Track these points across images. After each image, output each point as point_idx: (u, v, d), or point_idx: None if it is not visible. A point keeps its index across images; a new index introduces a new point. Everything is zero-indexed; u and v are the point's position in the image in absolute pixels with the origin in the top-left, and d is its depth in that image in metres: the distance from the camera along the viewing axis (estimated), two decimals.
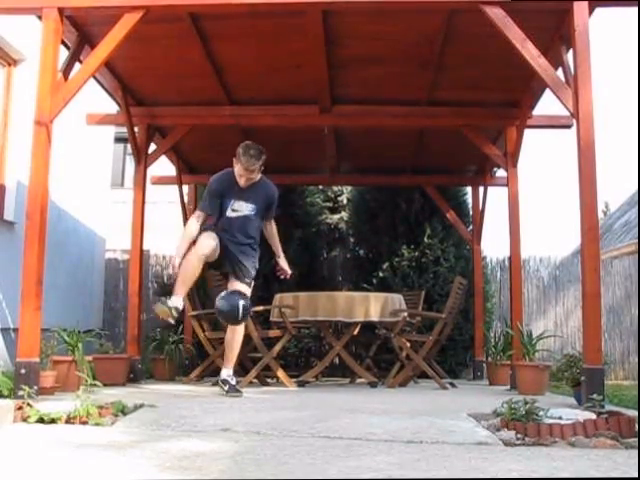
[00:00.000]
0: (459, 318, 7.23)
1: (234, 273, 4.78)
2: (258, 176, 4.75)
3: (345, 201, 9.77)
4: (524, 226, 6.04)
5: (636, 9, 4.12)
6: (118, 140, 10.73)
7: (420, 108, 6.14)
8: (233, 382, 4.73)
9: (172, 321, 4.50)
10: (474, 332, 7.55)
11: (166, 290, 8.66)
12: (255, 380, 5.65)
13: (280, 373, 5.58)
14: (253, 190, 4.76)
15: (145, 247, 6.31)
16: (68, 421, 3.07)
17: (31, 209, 4.05)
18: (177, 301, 4.45)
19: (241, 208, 4.76)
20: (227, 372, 4.78)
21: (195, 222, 4.72)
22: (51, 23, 4.18)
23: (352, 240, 9.37)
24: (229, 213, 4.74)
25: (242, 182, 4.69)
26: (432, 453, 2.54)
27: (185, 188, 8.02)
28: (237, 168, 4.66)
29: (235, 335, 4.78)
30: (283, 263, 5.07)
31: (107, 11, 4.34)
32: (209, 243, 4.55)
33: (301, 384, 5.64)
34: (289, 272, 5.07)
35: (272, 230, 5.08)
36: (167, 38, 5.02)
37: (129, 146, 6.41)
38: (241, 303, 4.49)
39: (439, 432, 2.95)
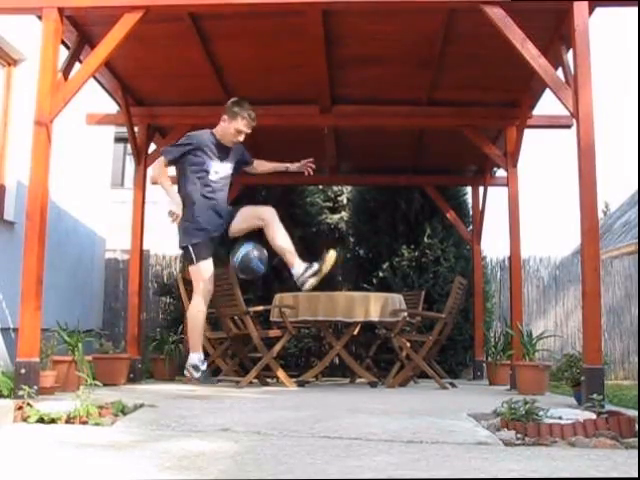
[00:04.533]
0: (459, 318, 7.24)
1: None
2: None
3: (345, 201, 9.77)
4: (524, 226, 6.05)
5: (636, 9, 4.13)
6: (118, 140, 10.73)
7: (420, 108, 6.14)
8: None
9: (197, 375, 4.42)
10: (474, 332, 7.55)
11: (166, 290, 8.69)
12: (255, 380, 5.65)
13: (280, 373, 5.58)
14: (232, 150, 4.58)
15: (145, 247, 6.32)
16: (68, 421, 3.07)
17: (31, 209, 4.05)
18: (195, 358, 4.39)
19: (221, 169, 4.49)
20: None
21: (156, 170, 4.46)
22: (51, 23, 4.18)
23: (352, 240, 9.37)
24: (212, 176, 4.43)
25: (240, 139, 4.48)
26: (432, 453, 2.54)
27: None
28: (235, 124, 4.43)
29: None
30: (296, 164, 4.84)
31: (107, 11, 4.34)
32: (208, 288, 4.42)
33: (301, 384, 5.64)
34: (311, 164, 4.87)
35: (261, 163, 4.86)
36: (167, 38, 5.02)
37: (129, 146, 6.41)
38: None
39: (439, 432, 2.95)
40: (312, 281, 4.21)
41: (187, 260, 4.63)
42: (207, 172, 4.43)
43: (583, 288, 4.05)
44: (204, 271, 4.41)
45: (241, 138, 4.52)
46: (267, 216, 4.38)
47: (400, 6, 4.43)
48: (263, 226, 4.39)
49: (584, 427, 2.83)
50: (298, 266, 4.24)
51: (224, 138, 4.50)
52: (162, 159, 4.46)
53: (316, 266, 4.21)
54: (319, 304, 5.58)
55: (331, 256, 4.23)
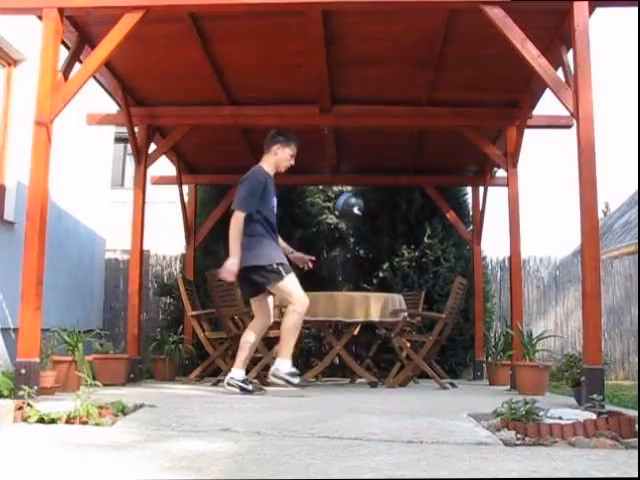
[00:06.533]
0: (459, 318, 7.23)
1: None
2: None
3: None
4: (524, 226, 6.06)
5: (636, 9, 4.13)
6: (118, 140, 10.74)
7: (420, 108, 6.14)
8: (296, 373, 4.54)
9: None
10: (474, 332, 7.55)
11: (166, 290, 8.68)
12: (255, 380, 5.64)
13: None
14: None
15: (145, 247, 6.31)
16: (68, 421, 3.07)
17: (31, 209, 4.05)
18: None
19: (274, 202, 4.74)
20: (287, 364, 4.52)
21: (239, 229, 4.48)
22: (51, 23, 4.18)
23: (352, 240, 9.37)
24: (275, 210, 4.72)
25: (292, 162, 4.78)
26: (432, 453, 2.54)
27: (185, 188, 8.02)
28: (286, 152, 4.74)
29: (286, 319, 4.56)
30: (298, 254, 5.01)
31: (107, 11, 4.34)
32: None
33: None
34: (310, 258, 4.99)
35: None
36: (167, 38, 5.02)
37: (129, 146, 6.41)
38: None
39: (439, 432, 2.95)
40: (281, 383, 4.49)
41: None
42: (273, 207, 4.70)
43: (583, 288, 4.05)
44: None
45: (288, 164, 4.78)
46: (299, 306, 4.52)
47: (400, 6, 4.43)
48: (290, 306, 4.55)
49: (584, 427, 2.83)
50: (285, 363, 4.49)
51: (279, 165, 4.76)
52: (242, 214, 4.50)
53: (297, 380, 4.49)
54: (319, 304, 5.57)
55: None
